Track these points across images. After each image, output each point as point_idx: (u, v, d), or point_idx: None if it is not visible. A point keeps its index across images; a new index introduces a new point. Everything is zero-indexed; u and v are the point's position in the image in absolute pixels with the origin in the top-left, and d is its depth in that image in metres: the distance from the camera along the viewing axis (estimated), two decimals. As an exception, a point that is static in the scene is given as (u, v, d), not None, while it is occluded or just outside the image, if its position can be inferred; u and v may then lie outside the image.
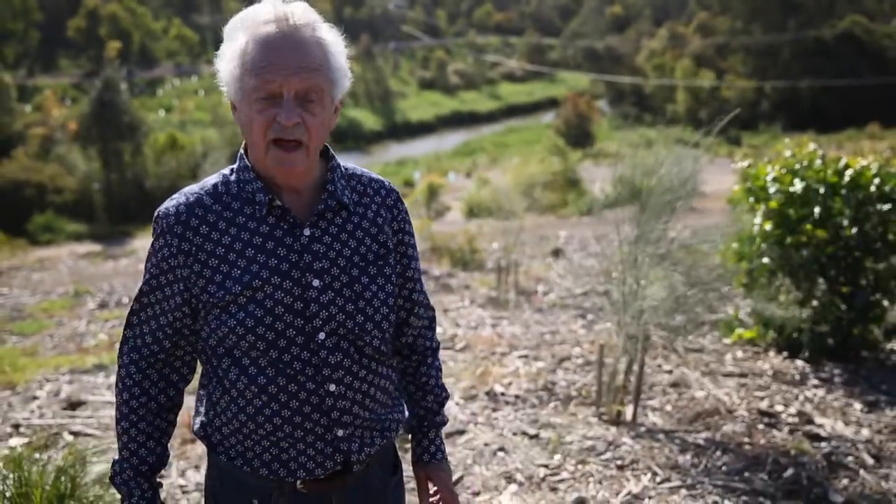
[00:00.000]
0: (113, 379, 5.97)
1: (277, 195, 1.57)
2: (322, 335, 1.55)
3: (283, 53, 1.47)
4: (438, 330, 7.13)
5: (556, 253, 12.37)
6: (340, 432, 1.59)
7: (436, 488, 1.84)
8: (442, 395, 1.86)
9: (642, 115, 54.05)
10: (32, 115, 50.30)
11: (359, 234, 1.62)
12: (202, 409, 1.68)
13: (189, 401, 5.34)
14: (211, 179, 1.63)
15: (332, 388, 1.57)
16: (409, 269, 1.75)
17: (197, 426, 1.67)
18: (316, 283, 1.55)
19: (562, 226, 16.76)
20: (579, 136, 45.69)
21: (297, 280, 1.55)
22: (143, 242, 22.71)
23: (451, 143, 53.88)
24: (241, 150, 1.62)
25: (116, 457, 1.67)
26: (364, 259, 1.62)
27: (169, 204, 1.59)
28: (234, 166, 1.62)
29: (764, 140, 40.19)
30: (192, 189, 1.62)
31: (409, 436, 1.86)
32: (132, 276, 15.49)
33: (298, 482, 1.59)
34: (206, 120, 54.31)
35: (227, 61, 1.53)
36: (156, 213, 1.60)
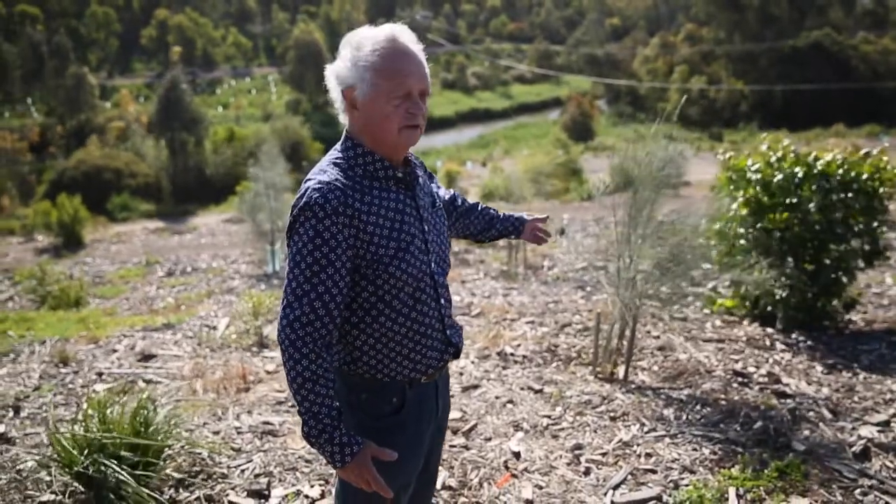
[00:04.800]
0: (179, 336, 6.06)
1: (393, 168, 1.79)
2: (433, 264, 1.83)
3: (410, 64, 1.71)
4: (456, 298, 7.13)
5: (561, 232, 12.31)
6: (449, 331, 1.89)
7: (538, 223, 2.35)
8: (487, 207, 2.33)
9: (636, 114, 53.43)
10: (111, 111, 50.62)
11: (425, 189, 1.91)
12: (346, 351, 1.81)
13: (237, 356, 5.39)
14: (331, 168, 1.74)
15: (442, 301, 1.88)
16: (438, 195, 2.08)
17: (339, 363, 1.82)
18: (426, 227, 1.83)
19: (564, 210, 16.66)
20: (581, 131, 45.21)
21: (421, 228, 1.81)
22: (203, 220, 22.85)
23: (468, 136, 53.49)
24: (350, 139, 1.78)
25: (308, 417, 1.65)
26: (432, 205, 1.91)
27: (322, 192, 1.66)
28: (347, 153, 1.77)
29: (742, 136, 39.62)
30: (331, 175, 1.70)
31: (496, 230, 2.30)
32: (194, 249, 15.61)
33: (424, 377, 1.85)
34: (257, 115, 54.35)
35: (353, 69, 1.71)
36: (310, 202, 1.65)
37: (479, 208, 2.28)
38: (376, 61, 1.69)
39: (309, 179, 1.72)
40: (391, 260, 1.71)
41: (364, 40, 1.71)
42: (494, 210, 2.31)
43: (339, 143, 1.82)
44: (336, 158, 1.77)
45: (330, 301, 1.66)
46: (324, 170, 1.73)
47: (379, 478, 1.68)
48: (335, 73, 1.75)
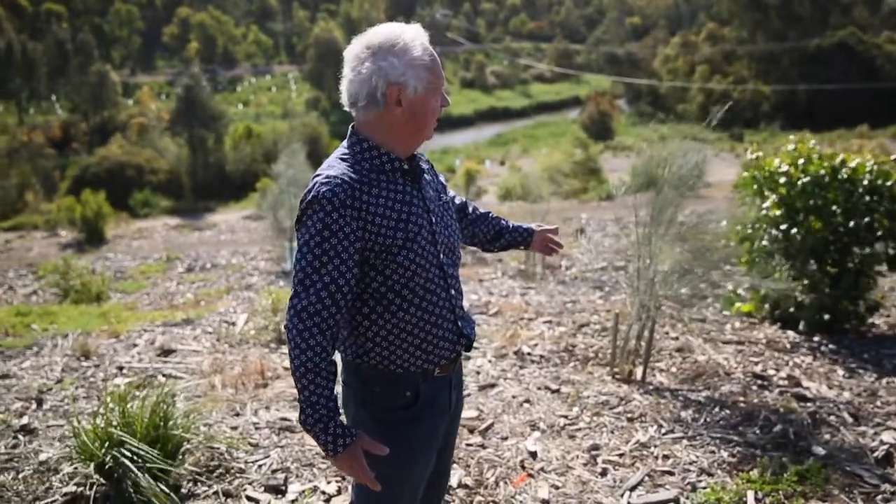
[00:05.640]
0: (198, 331, 6.11)
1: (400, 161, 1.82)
2: (441, 255, 1.85)
3: (440, 61, 1.82)
4: (473, 297, 7.13)
5: (580, 231, 12.25)
6: (460, 322, 1.90)
7: (549, 234, 2.33)
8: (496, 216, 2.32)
9: (657, 113, 53.08)
10: (133, 108, 51.18)
11: (430, 182, 1.94)
12: (358, 343, 1.83)
13: (256, 352, 5.42)
14: (339, 163, 1.77)
15: (453, 292, 1.88)
16: (448, 192, 2.09)
17: (352, 356, 1.85)
18: (434, 219, 1.85)
19: (583, 209, 16.59)
20: (600, 130, 44.99)
21: (428, 219, 1.83)
22: (222, 217, 23.02)
23: (487, 134, 53.40)
24: (357, 135, 1.81)
25: (306, 406, 1.69)
26: (438, 198, 1.93)
27: (331, 186, 1.69)
28: (353, 148, 1.81)
29: (763, 137, 39.15)
30: (338, 170, 1.74)
31: (505, 239, 2.28)
32: (214, 245, 15.74)
33: (437, 369, 1.86)
34: (276, 112, 54.66)
35: (409, 68, 1.75)
36: (318, 196, 1.68)
37: (490, 217, 2.29)
38: (428, 61, 1.78)
39: (317, 175, 1.75)
40: (399, 250, 1.74)
41: (412, 40, 1.77)
42: (505, 220, 2.31)
43: (346, 139, 1.85)
44: (343, 154, 1.80)
45: (336, 292, 1.69)
46: (331, 165, 1.77)
47: (368, 470, 1.71)
48: (383, 72, 1.74)
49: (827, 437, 3.62)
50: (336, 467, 1.74)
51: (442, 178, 2.07)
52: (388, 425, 1.82)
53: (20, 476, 3.24)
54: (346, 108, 1.84)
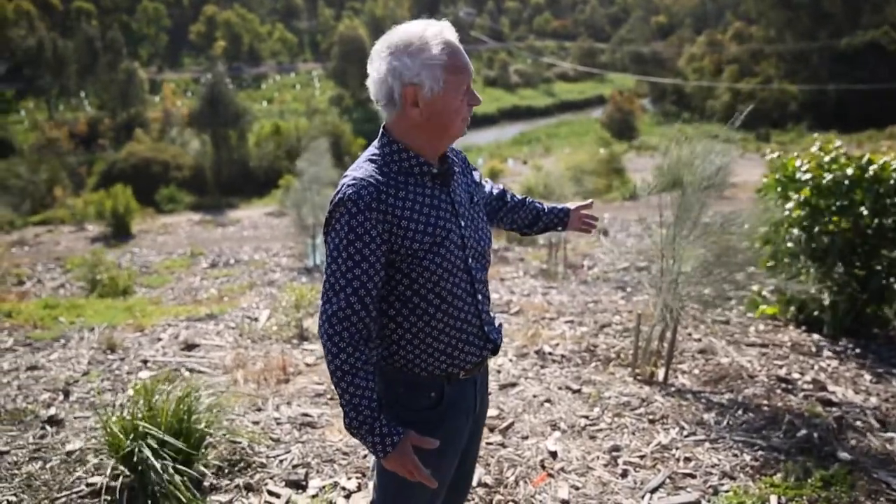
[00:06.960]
0: (221, 327, 6.17)
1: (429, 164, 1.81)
2: (470, 259, 1.84)
3: (466, 59, 1.78)
4: (495, 296, 7.12)
5: (605, 233, 12.19)
6: (486, 328, 1.90)
7: (583, 210, 2.35)
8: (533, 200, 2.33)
9: (682, 113, 52.54)
10: (159, 105, 51.77)
11: (462, 184, 1.93)
12: (383, 345, 1.83)
13: (278, 348, 5.46)
14: (367, 164, 1.77)
15: (480, 297, 1.88)
16: (482, 187, 2.09)
17: (377, 358, 1.84)
18: (463, 223, 1.83)
19: (606, 209, 16.48)
20: (622, 129, 44.66)
21: (457, 223, 1.81)
22: (245, 213, 23.21)
23: (510, 133, 53.19)
24: (387, 136, 1.80)
25: (349, 409, 1.69)
26: (470, 200, 1.91)
27: (357, 188, 1.69)
28: (383, 149, 1.79)
29: (790, 137, 38.63)
30: (365, 172, 1.73)
31: (542, 222, 2.31)
32: (237, 241, 15.88)
33: (462, 372, 1.87)
34: (300, 110, 54.97)
35: (423, 68, 1.73)
36: (343, 198, 1.69)
37: (528, 202, 2.31)
38: (446, 59, 1.73)
39: (345, 176, 1.76)
40: (425, 254, 1.73)
41: (430, 39, 1.74)
42: (540, 203, 2.33)
43: (377, 139, 1.84)
44: (372, 155, 1.79)
45: (366, 295, 1.69)
46: (359, 166, 1.77)
47: (421, 466, 1.70)
48: (397, 72, 1.73)
49: (853, 442, 3.57)
50: (388, 468, 1.73)
51: (476, 175, 2.05)
52: (412, 426, 1.80)
53: (47, 466, 3.30)
54: (376, 106, 1.84)
